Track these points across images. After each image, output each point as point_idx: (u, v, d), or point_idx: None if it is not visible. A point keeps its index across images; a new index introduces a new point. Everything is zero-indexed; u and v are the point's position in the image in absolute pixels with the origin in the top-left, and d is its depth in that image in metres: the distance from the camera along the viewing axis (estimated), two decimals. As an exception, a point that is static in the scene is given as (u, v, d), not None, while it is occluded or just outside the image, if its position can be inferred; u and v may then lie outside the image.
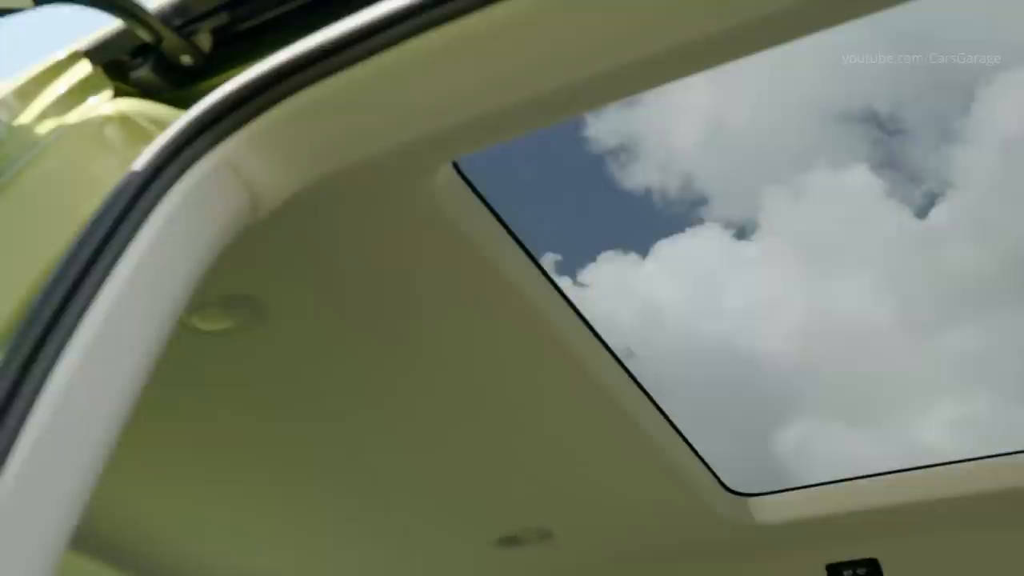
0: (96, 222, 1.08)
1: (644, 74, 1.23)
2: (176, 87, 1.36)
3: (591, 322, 1.88)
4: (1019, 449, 2.33)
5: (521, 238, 1.69)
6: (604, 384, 1.95)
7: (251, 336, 1.73)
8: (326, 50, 1.20)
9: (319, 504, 2.40)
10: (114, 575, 2.52)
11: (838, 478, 2.48)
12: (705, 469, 2.32)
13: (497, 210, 1.64)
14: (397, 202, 1.47)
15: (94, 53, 1.39)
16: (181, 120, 1.20)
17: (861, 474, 2.46)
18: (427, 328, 1.78)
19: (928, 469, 2.40)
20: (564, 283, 1.82)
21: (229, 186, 1.21)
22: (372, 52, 1.19)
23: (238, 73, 1.24)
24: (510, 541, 2.54)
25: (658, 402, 2.11)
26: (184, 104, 1.26)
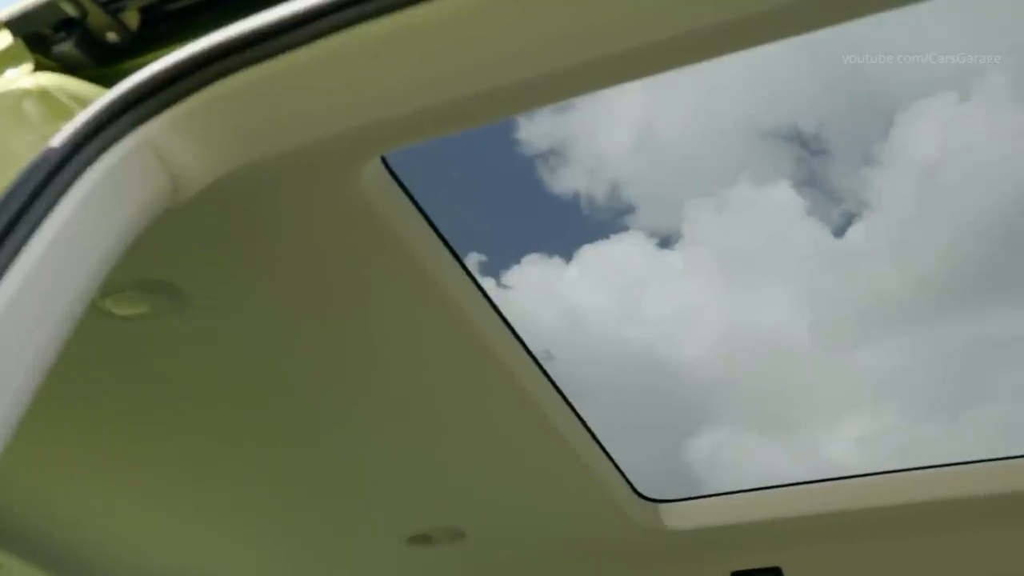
0: (9, 197, 1.05)
1: (578, 79, 1.24)
2: (100, 64, 1.33)
3: (512, 324, 1.89)
4: (924, 465, 2.40)
5: (447, 237, 1.69)
6: (522, 386, 1.96)
7: (168, 323, 1.70)
8: (257, 36, 1.18)
9: (230, 499, 2.37)
10: (14, 564, 2.46)
11: (747, 488, 2.52)
12: (618, 474, 2.35)
13: (424, 207, 1.63)
14: (323, 194, 1.46)
15: (15, 24, 1.35)
16: (103, 98, 1.18)
17: (770, 484, 2.51)
18: (348, 323, 1.77)
19: (834, 482, 2.46)
20: (488, 284, 1.82)
21: (150, 168, 1.18)
22: (304, 41, 1.18)
23: (165, 54, 1.21)
24: (421, 540, 2.53)
25: (575, 406, 2.12)
26: (108, 82, 1.24)
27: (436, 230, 1.67)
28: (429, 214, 1.64)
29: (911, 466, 2.42)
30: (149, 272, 1.57)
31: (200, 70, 1.20)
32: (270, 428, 2.08)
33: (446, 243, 1.69)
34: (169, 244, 1.48)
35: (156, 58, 1.22)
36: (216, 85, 1.21)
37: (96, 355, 1.77)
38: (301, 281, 1.66)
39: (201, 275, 1.62)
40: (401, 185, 1.57)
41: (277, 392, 1.95)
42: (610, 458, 2.30)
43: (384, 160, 1.52)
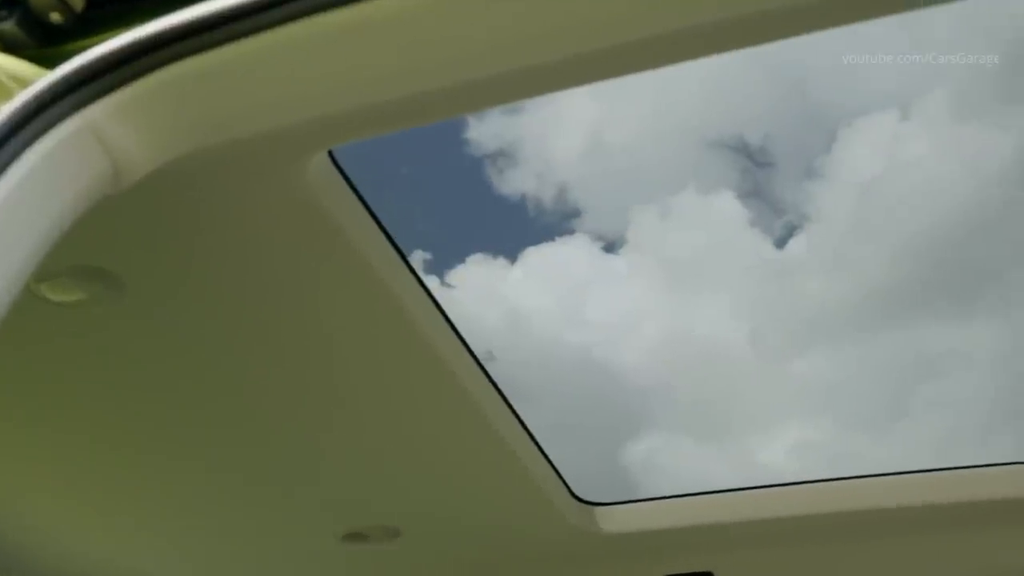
0: (-57, 177, 1.03)
1: (530, 81, 1.24)
2: (42, 45, 1.30)
3: (454, 322, 1.88)
4: (855, 474, 2.44)
5: (392, 233, 1.68)
6: (462, 386, 1.96)
7: (104, 311, 1.67)
8: (206, 23, 1.17)
9: (163, 493, 2.33)
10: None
11: (682, 493, 2.55)
12: (555, 476, 2.35)
13: (371, 203, 1.62)
14: (268, 186, 1.44)
15: (-45, 1, 1.32)
16: (45, 79, 1.15)
17: (705, 490, 2.54)
18: (289, 317, 1.75)
19: (767, 489, 2.49)
20: (432, 282, 1.82)
21: (90, 153, 1.16)
22: (253, 30, 1.16)
23: (111, 37, 1.19)
24: (357, 537, 2.52)
25: (514, 407, 2.13)
26: (50, 63, 1.21)
27: (381, 226, 1.66)
28: (375, 210, 1.64)
29: (843, 475, 2.46)
30: (87, 258, 1.55)
31: (146, 55, 1.18)
32: (205, 421, 2.06)
33: (391, 240, 1.69)
34: (108, 231, 1.45)
35: (101, 41, 1.20)
36: (162, 71, 1.19)
37: (29, 341, 1.73)
38: (243, 273, 1.64)
39: (140, 263, 1.59)
40: (348, 180, 1.56)
41: (214, 385, 1.93)
42: (548, 460, 2.30)
43: (331, 154, 1.51)
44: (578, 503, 2.47)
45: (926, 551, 2.49)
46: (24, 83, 1.18)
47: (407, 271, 1.74)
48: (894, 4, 1.12)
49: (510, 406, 2.12)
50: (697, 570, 2.59)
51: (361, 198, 1.60)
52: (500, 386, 2.07)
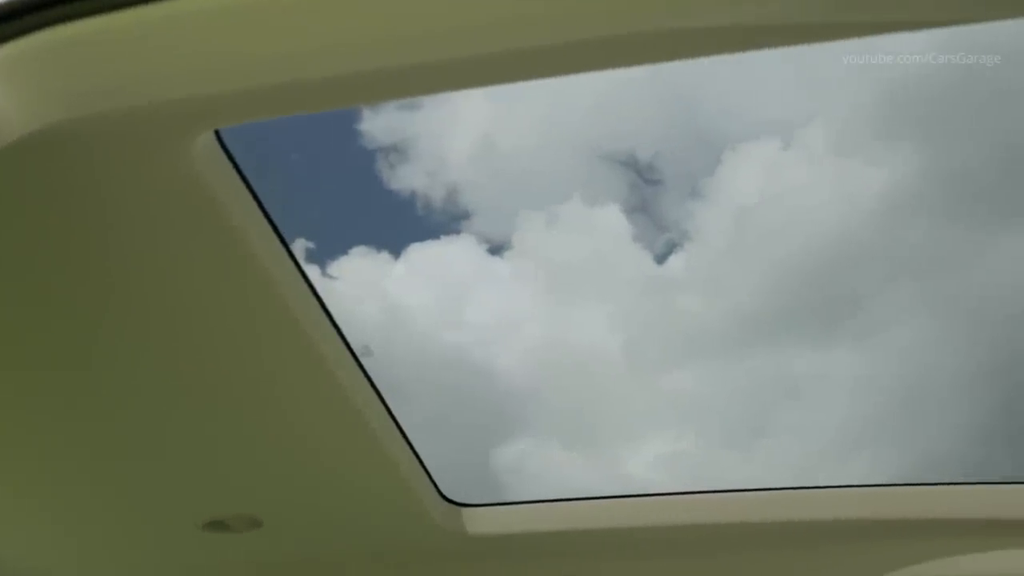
0: None
1: (428, 77, 1.24)
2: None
3: (333, 314, 1.87)
4: (717, 489, 2.51)
5: (275, 220, 1.66)
6: (335, 378, 1.94)
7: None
8: (96, -13, 1.13)
9: (15, 474, 2.24)
10: None
11: (549, 498, 2.57)
12: (424, 474, 2.35)
13: (256, 188, 1.60)
14: (149, 162, 1.40)
15: None
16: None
17: (572, 496, 2.57)
18: (159, 293, 1.70)
19: (632, 498, 2.54)
20: (313, 271, 1.79)
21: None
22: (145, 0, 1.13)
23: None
24: (217, 526, 2.47)
25: (388, 403, 2.12)
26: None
27: (265, 212, 1.63)
28: (261, 195, 1.61)
29: (706, 489, 2.53)
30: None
31: (28, 15, 1.14)
32: (61, 398, 1.98)
33: (274, 226, 1.66)
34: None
35: (-18, -5, 1.15)
36: (43, 33, 1.14)
37: None
38: (114, 248, 1.59)
39: (6, 228, 1.53)
40: (234, 162, 1.53)
41: (73, 362, 1.86)
42: (418, 458, 2.30)
43: (219, 135, 1.48)
44: (446, 503, 2.47)
45: (781, 567, 2.57)
46: None
47: (288, 259, 1.71)
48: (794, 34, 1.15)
49: (383, 402, 2.11)
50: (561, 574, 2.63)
51: (246, 182, 1.57)
52: (375, 381, 2.06)
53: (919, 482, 2.45)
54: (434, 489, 2.42)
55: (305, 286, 1.77)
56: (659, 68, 1.19)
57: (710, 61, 1.18)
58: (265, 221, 1.64)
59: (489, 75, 1.25)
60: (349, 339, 1.93)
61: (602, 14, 1.11)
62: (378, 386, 2.07)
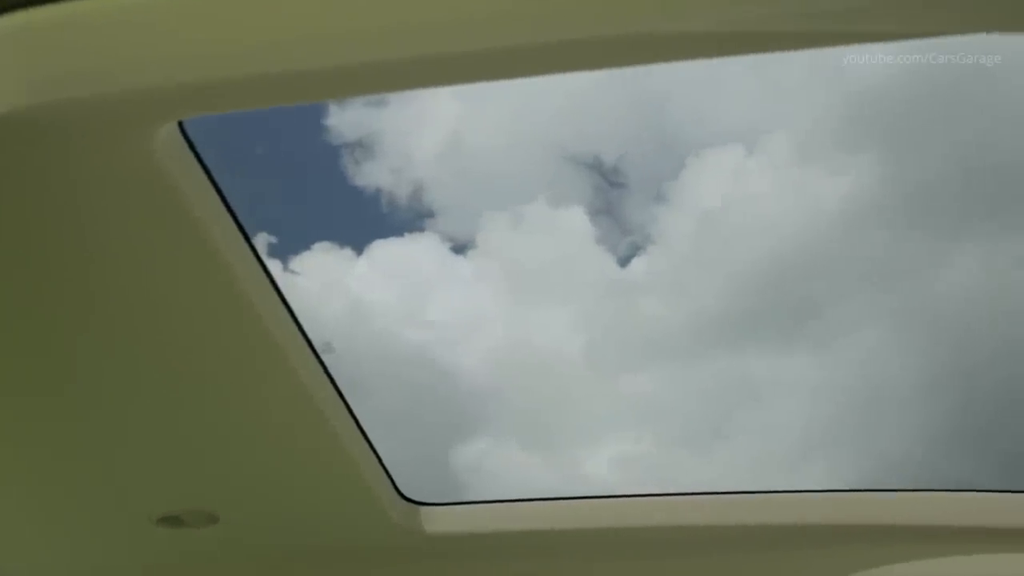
0: None
1: (396, 74, 1.23)
2: None
3: (294, 309, 1.85)
4: (674, 492, 2.52)
5: (238, 213, 1.64)
6: (296, 374, 1.93)
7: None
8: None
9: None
10: None
11: (508, 498, 2.57)
12: (382, 472, 2.34)
13: (218, 180, 1.58)
14: (109, 151, 1.38)
15: None
16: None
17: (530, 496, 2.58)
18: (118, 284, 1.68)
19: (589, 500, 2.55)
20: (275, 266, 1.78)
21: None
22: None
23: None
24: (172, 521, 2.44)
25: (347, 399, 2.11)
26: None
27: (227, 205, 1.62)
28: (223, 187, 1.59)
29: (663, 491, 2.54)
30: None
31: (-9, -2, 1.12)
32: (13, 388, 1.95)
33: (236, 219, 1.65)
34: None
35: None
36: (6, 18, 1.13)
37: None
38: (72, 238, 1.57)
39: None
40: (196, 154, 1.52)
41: (29, 350, 1.84)
42: (376, 455, 2.29)
43: (182, 125, 1.46)
44: (403, 501, 2.47)
45: (738, 571, 2.59)
46: None
47: (250, 253, 1.70)
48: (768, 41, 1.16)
49: (343, 399, 2.10)
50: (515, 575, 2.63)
51: (209, 174, 1.56)
52: (335, 378, 2.05)
53: (879, 488, 2.48)
54: (392, 487, 2.41)
55: (267, 281, 1.76)
56: (627, 72, 1.19)
57: (677, 67, 1.18)
58: (227, 215, 1.62)
59: (458, 74, 1.25)
60: (310, 335, 1.92)
61: (575, 16, 1.11)
62: (338, 383, 2.06)
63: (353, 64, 1.20)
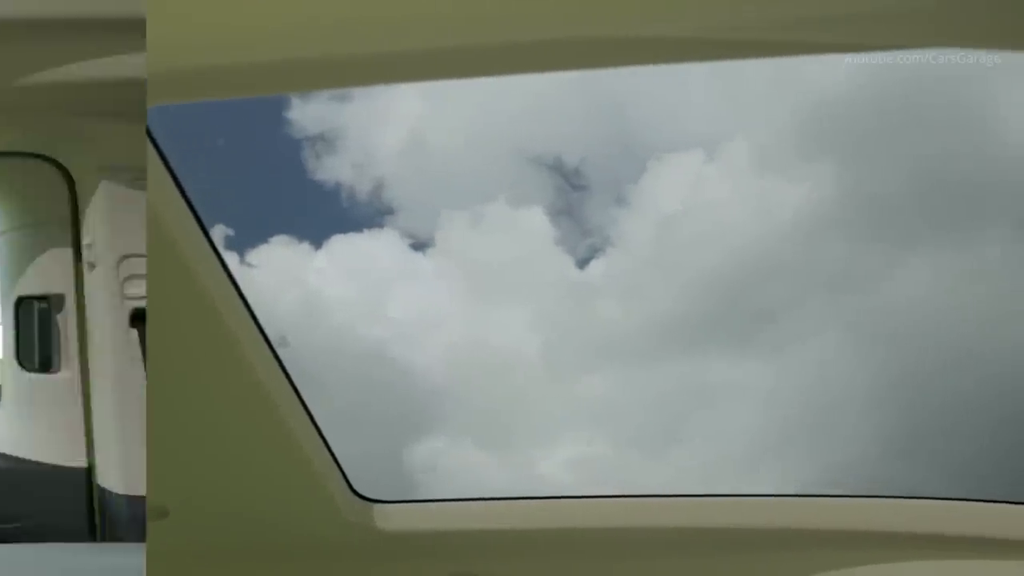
0: None
1: (364, 69, 1.23)
2: None
3: (250, 302, 1.84)
4: (628, 493, 2.54)
5: (196, 205, 1.63)
6: (251, 367, 1.91)
7: None
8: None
9: None
10: None
11: (461, 496, 2.57)
12: (336, 469, 2.33)
13: (177, 171, 1.57)
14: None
15: None
16: None
17: (484, 496, 2.57)
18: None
19: (542, 500, 2.55)
20: (231, 258, 1.77)
21: None
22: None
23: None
24: (120, 514, 2.41)
25: (301, 394, 2.09)
26: None
27: (184, 194, 1.60)
28: (182, 179, 1.58)
29: (616, 493, 2.55)
30: None
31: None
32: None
33: (193, 211, 1.63)
34: None
35: None
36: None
37: None
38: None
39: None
40: (156, 145, 1.50)
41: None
42: (330, 452, 2.27)
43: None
44: (356, 498, 2.45)
45: (688, 573, 2.60)
46: None
47: (206, 244, 1.68)
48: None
49: (297, 393, 2.08)
50: (466, 573, 2.62)
51: (168, 165, 1.54)
52: (289, 372, 2.03)
53: (830, 494, 2.51)
54: (345, 484, 2.40)
55: (223, 273, 1.75)
56: (590, 75, 1.20)
57: (641, 71, 1.19)
58: (184, 204, 1.61)
59: (423, 70, 1.25)
60: (266, 328, 1.91)
61: (541, 18, 1.12)
62: (292, 377, 2.05)
63: (316, 57, 1.19)
